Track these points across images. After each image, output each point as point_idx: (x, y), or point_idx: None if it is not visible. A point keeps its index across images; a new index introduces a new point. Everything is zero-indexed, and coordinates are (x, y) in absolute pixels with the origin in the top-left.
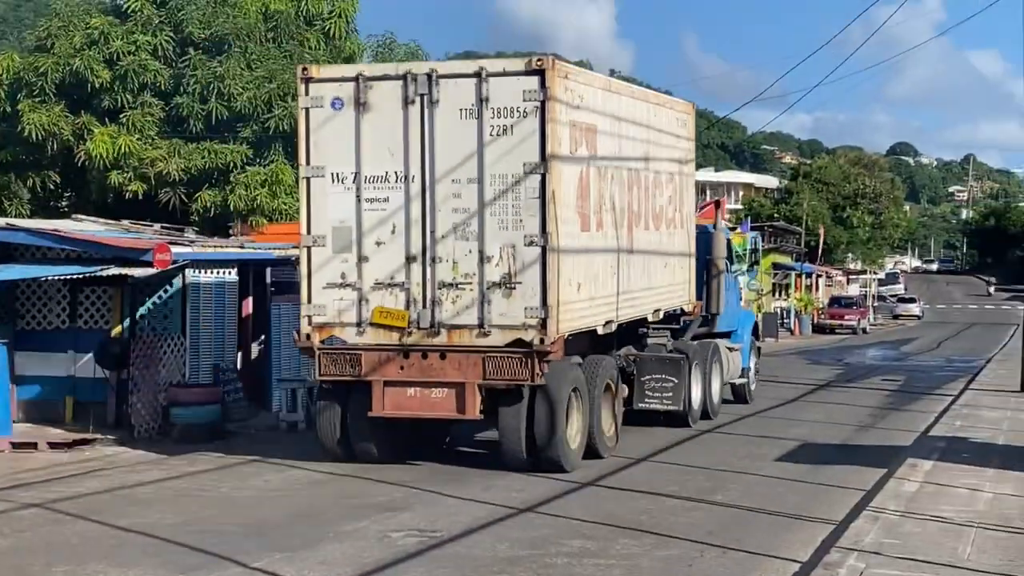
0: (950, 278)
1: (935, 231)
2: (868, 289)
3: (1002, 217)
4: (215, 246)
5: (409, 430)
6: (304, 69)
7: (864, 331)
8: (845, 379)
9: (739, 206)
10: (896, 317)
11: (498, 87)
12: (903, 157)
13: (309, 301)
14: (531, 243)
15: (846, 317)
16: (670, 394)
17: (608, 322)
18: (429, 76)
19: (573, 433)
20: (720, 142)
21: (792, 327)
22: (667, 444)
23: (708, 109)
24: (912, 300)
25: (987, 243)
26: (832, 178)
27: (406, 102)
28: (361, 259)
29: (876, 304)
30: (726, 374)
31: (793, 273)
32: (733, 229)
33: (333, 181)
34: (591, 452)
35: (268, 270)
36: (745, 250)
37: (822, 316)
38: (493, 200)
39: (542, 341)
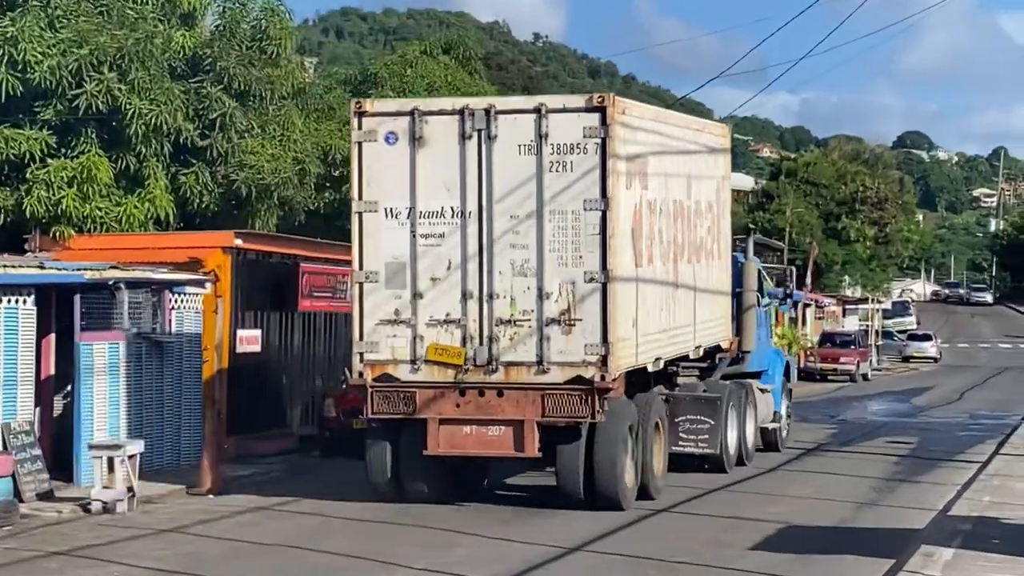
0: (977, 310)
1: (956, 247)
2: (870, 323)
3: None
4: (3, 265)
5: (454, 470)
6: (358, 103)
7: (865, 378)
8: (840, 441)
9: None
10: (906, 360)
11: (558, 123)
12: (915, 151)
13: (361, 338)
14: (591, 279)
15: (841, 360)
16: (706, 437)
17: (657, 359)
18: (487, 111)
19: (630, 472)
20: None
21: None
22: (610, 529)
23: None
24: (927, 337)
25: (1022, 261)
26: (824, 178)
27: (463, 137)
28: (416, 295)
29: (880, 343)
30: (759, 418)
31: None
32: None
33: (387, 216)
34: (642, 492)
35: (77, 298)
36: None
37: (810, 358)
38: (552, 236)
39: (603, 378)
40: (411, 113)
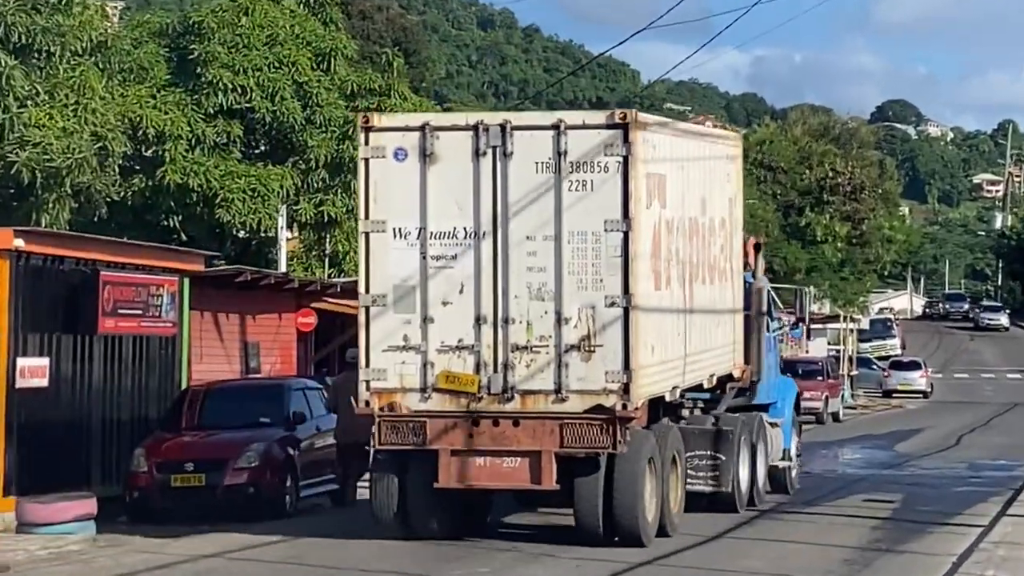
0: (978, 333)
1: (951, 249)
2: (842, 347)
3: None
4: None
5: (464, 505)
6: (365, 118)
7: (835, 418)
8: (804, 500)
9: None
10: (888, 394)
11: (577, 140)
12: (899, 125)
13: (368, 365)
14: (612, 304)
15: (806, 395)
16: (716, 474)
17: (675, 387)
18: (503, 127)
19: (651, 506)
20: (597, 95)
21: None
22: None
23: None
24: (915, 366)
25: None
26: (783, 160)
27: (477, 154)
28: (426, 320)
29: (855, 373)
30: (770, 455)
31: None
32: None
33: (395, 236)
34: (659, 529)
35: None
36: None
37: None
38: (571, 258)
39: (625, 407)
40: (422, 128)
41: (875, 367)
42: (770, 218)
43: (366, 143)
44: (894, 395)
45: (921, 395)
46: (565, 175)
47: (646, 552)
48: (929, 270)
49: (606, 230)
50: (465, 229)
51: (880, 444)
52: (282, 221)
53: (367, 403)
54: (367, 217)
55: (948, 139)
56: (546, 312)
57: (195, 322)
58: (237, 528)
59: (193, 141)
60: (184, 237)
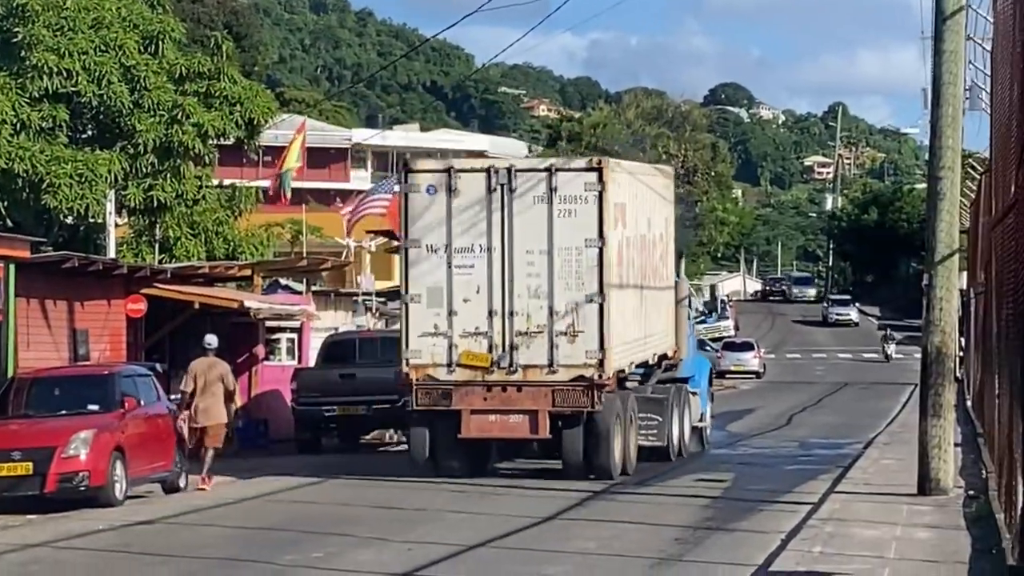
0: (808, 310)
1: (784, 231)
2: None
3: (888, 208)
4: None
5: (475, 451)
6: (405, 164)
7: None
8: (637, 481)
9: None
10: (721, 375)
11: (565, 180)
12: (731, 108)
13: (407, 347)
14: (591, 300)
15: None
16: (655, 431)
17: (631, 363)
18: (509, 170)
19: (617, 450)
20: (429, 80)
21: None
22: None
23: (410, 26)
24: (747, 347)
25: (866, 250)
26: (616, 143)
27: (489, 190)
28: (451, 313)
29: None
30: (692, 417)
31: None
32: None
33: (427, 251)
34: (622, 469)
35: None
36: None
37: None
38: (560, 267)
39: (600, 377)
40: (447, 170)
41: (708, 348)
42: None
43: (405, 181)
44: (727, 376)
45: (754, 375)
46: (555, 205)
47: (473, 535)
48: (762, 252)
49: (586, 246)
50: (480, 245)
51: (713, 424)
52: (110, 206)
53: (407, 375)
54: (407, 236)
55: (780, 122)
56: (541, 307)
57: (21, 309)
58: (66, 516)
59: (18, 126)
60: (10, 223)
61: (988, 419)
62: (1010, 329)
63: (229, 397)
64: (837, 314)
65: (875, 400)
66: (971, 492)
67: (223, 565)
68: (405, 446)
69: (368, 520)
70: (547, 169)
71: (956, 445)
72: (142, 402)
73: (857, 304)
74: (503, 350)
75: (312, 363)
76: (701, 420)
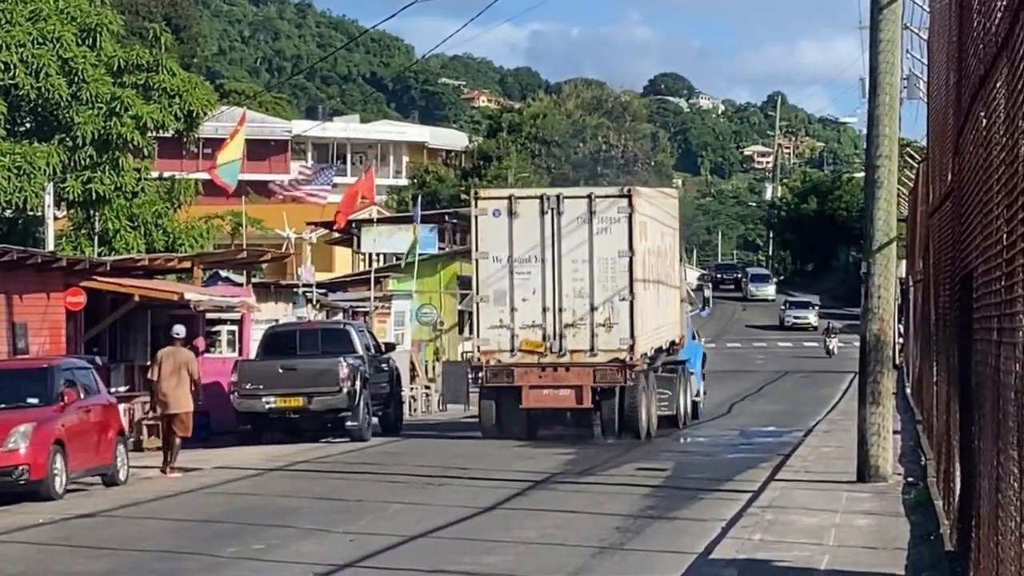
0: (766, 309)
1: (724, 220)
2: None
3: (827, 197)
4: None
5: (530, 420)
6: (475, 192)
7: None
8: (578, 470)
9: (403, 180)
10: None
11: (601, 203)
12: (671, 98)
13: (479, 336)
14: (623, 299)
15: None
16: (667, 403)
17: (652, 348)
18: (557, 197)
19: (644, 417)
20: (369, 72)
21: None
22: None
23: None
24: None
25: (806, 239)
26: (556, 134)
27: (542, 212)
28: (513, 310)
29: None
30: (690, 393)
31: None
32: (391, 220)
33: (493, 261)
34: (647, 433)
35: None
36: (414, 253)
37: None
38: (599, 272)
39: (631, 359)
40: (509, 198)
41: None
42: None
43: (476, 205)
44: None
45: None
46: (594, 224)
47: (414, 526)
48: (703, 241)
49: (619, 256)
50: (535, 256)
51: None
52: (49, 199)
53: (478, 359)
54: (477, 250)
55: (720, 112)
56: (584, 304)
57: None
58: (5, 510)
59: None
60: None
61: (927, 406)
62: (947, 317)
63: (193, 386)
64: (795, 317)
65: (815, 388)
66: (910, 479)
67: (164, 558)
68: (347, 438)
69: (309, 511)
70: (587, 196)
71: (895, 432)
72: (82, 395)
73: (817, 306)
74: (554, 338)
75: (253, 355)
76: (697, 395)
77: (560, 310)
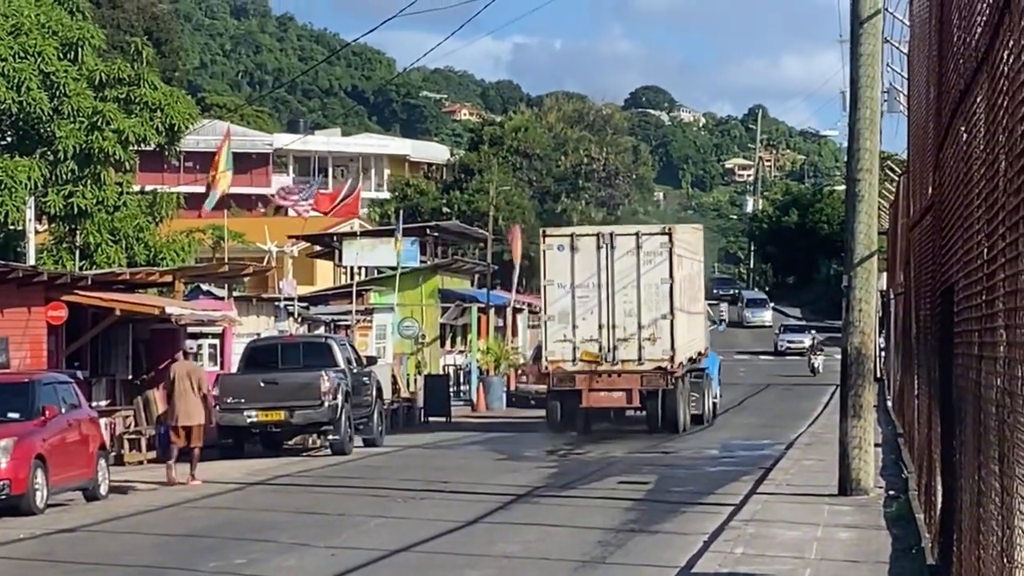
0: (761, 335)
1: (706, 233)
2: None
3: (808, 210)
4: None
5: (587, 417)
6: (544, 231)
7: None
8: (561, 484)
9: (385, 194)
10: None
11: (647, 240)
12: (652, 111)
13: (546, 349)
14: (665, 318)
15: None
16: (695, 403)
17: (686, 358)
18: (610, 235)
19: (682, 414)
20: (351, 85)
21: (474, 398)
22: None
23: (331, 31)
24: None
25: (787, 252)
26: (538, 147)
27: (598, 247)
28: (574, 327)
29: None
30: (711, 396)
31: (475, 307)
32: (373, 233)
33: (558, 287)
34: (683, 427)
35: None
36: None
37: (523, 378)
38: (645, 296)
39: (671, 367)
40: (571, 235)
41: None
42: (526, 205)
43: (544, 241)
44: None
45: None
46: (641, 257)
47: (396, 540)
48: None
49: (661, 283)
50: (592, 283)
51: (635, 427)
52: (30, 213)
53: (546, 368)
54: (545, 278)
55: (701, 125)
56: (632, 322)
57: None
58: None
59: None
60: None
61: (908, 419)
62: (928, 330)
63: (203, 399)
64: (789, 342)
65: (797, 401)
66: (891, 492)
67: (146, 573)
68: (328, 450)
69: (291, 526)
70: (635, 233)
71: (876, 445)
72: (63, 410)
73: (814, 331)
74: (608, 350)
75: (234, 369)
76: (715, 397)
77: (613, 327)
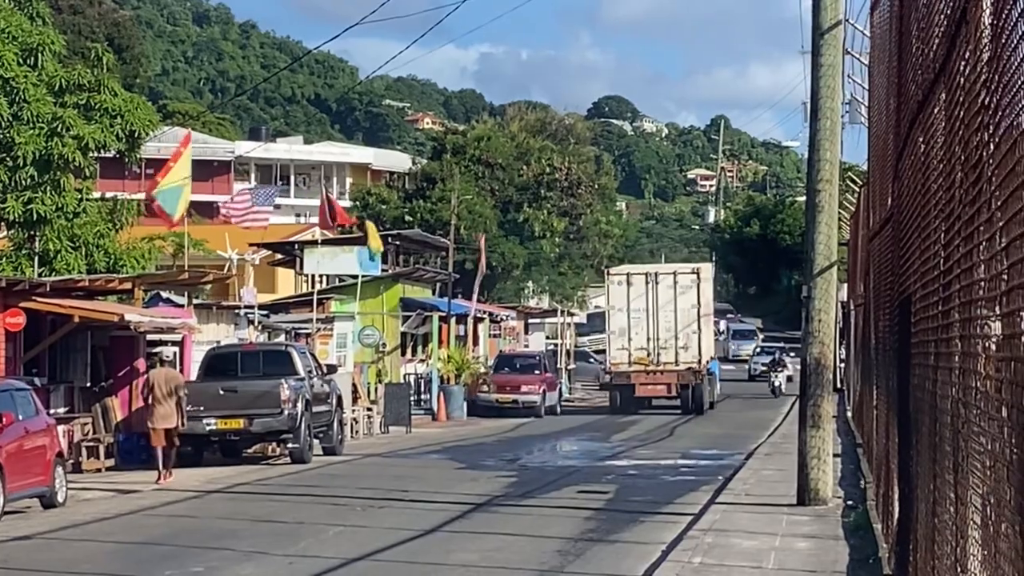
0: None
1: (667, 243)
2: (561, 341)
3: (770, 220)
4: None
5: (637, 403)
6: (607, 270)
7: (553, 412)
8: (520, 493)
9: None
10: (605, 387)
11: (681, 276)
12: (615, 121)
13: (610, 355)
14: (694, 332)
15: (523, 389)
16: (709, 395)
17: (708, 360)
18: (656, 273)
19: (707, 401)
20: (313, 93)
21: (434, 407)
22: None
23: (294, 38)
24: None
25: (748, 262)
26: (500, 156)
27: (646, 282)
28: (630, 339)
29: (573, 366)
30: (714, 391)
31: (436, 315)
32: (335, 242)
33: (618, 311)
34: (710, 407)
35: None
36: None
37: (483, 387)
38: (680, 317)
39: (699, 367)
40: (627, 274)
41: (592, 360)
42: (488, 214)
43: (608, 277)
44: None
45: None
46: (677, 289)
47: (354, 549)
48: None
49: (691, 308)
50: (642, 308)
51: (596, 436)
52: None
53: (610, 369)
54: (609, 303)
55: (663, 135)
56: (671, 335)
57: None
58: None
59: None
60: None
61: (867, 430)
62: (886, 341)
63: (178, 404)
64: (763, 365)
65: (757, 411)
66: (850, 502)
67: None
68: (287, 459)
69: (249, 534)
70: (673, 272)
71: (836, 456)
72: (20, 417)
73: (788, 350)
74: (654, 355)
75: (194, 376)
76: (717, 391)
77: (657, 338)
